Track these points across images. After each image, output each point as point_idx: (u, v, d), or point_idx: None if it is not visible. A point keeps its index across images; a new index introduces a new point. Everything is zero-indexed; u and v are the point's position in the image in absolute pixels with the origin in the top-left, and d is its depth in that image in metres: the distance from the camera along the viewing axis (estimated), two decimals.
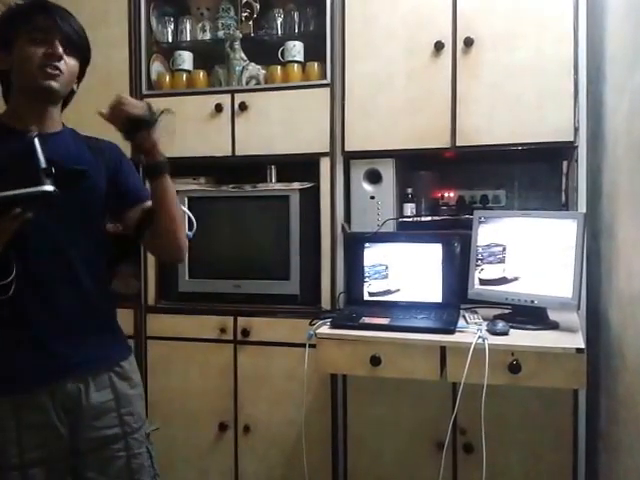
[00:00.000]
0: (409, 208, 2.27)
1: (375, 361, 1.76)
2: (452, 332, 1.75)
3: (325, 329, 1.86)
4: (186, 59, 2.45)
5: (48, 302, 1.29)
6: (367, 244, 2.14)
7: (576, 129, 1.98)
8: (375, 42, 2.15)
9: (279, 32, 2.39)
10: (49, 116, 1.35)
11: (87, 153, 1.40)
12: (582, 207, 2.00)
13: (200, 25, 2.47)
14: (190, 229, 1.64)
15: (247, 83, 2.34)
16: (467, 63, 2.06)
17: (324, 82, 2.21)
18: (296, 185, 2.24)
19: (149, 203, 1.41)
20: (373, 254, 2.13)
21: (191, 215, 1.74)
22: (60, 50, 1.28)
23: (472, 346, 1.64)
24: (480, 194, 2.40)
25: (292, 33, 2.37)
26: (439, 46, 2.07)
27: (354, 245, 2.18)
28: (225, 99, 2.29)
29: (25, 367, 1.28)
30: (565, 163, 2.19)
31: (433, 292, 2.05)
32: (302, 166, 2.26)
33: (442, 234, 2.11)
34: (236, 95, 2.29)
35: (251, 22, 2.37)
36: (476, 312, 1.96)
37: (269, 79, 2.35)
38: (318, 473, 2.15)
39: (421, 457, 2.09)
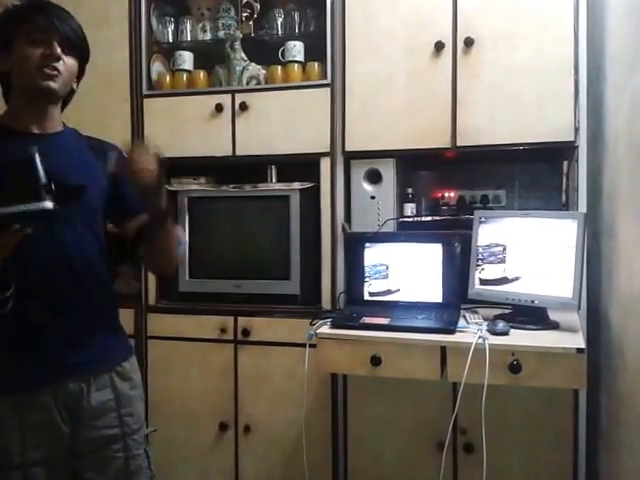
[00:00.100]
0: (409, 208, 2.27)
1: (375, 361, 1.76)
2: (452, 332, 1.75)
3: (325, 329, 1.86)
4: (186, 59, 2.45)
5: (50, 302, 1.29)
6: (367, 244, 2.14)
7: (576, 129, 1.98)
8: (375, 42, 2.15)
9: (279, 32, 2.39)
10: (49, 116, 1.35)
11: (88, 153, 1.40)
12: (582, 207, 2.00)
13: (200, 25, 2.47)
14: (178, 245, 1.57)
15: (247, 83, 2.34)
16: (467, 63, 2.06)
17: (324, 82, 2.21)
18: (296, 185, 2.24)
19: (146, 216, 1.40)
20: (373, 254, 2.13)
21: (182, 234, 1.67)
22: (58, 50, 1.28)
23: (472, 346, 1.64)
24: (480, 194, 2.40)
25: (292, 33, 2.37)
26: (439, 46, 2.07)
27: (354, 245, 2.18)
28: (225, 99, 2.29)
29: (26, 367, 1.28)
30: (565, 163, 2.19)
31: (433, 292, 2.05)
32: (302, 166, 2.26)
33: (442, 234, 2.11)
34: (236, 95, 2.28)
35: (251, 22, 2.37)
36: (476, 312, 1.96)
37: (269, 79, 2.35)
38: (318, 473, 2.15)
39: (421, 457, 2.09)
